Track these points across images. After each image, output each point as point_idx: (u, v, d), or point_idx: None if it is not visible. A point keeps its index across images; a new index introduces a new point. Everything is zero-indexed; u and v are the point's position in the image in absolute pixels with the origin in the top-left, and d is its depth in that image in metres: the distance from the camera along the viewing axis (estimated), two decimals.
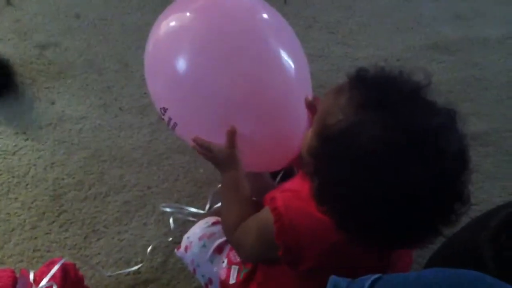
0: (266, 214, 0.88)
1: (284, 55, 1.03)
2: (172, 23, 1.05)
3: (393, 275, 0.68)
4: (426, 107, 0.71)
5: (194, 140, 1.06)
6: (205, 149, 1.05)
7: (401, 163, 0.68)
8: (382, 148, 0.68)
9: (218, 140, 1.01)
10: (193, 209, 1.38)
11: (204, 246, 1.14)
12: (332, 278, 0.67)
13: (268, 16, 1.06)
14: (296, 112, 1.06)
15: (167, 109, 1.04)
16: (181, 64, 1.00)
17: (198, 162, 1.53)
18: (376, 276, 0.63)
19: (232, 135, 1.01)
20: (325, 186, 0.75)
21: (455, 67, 1.86)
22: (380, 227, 0.73)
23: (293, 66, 1.04)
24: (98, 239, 1.37)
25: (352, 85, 0.77)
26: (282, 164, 1.14)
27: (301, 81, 1.08)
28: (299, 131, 1.06)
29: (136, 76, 1.80)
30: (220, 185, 1.40)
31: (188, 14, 1.04)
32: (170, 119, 1.05)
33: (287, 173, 1.24)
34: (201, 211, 1.38)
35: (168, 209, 1.38)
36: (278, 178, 1.24)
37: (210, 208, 1.39)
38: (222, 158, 1.05)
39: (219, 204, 1.36)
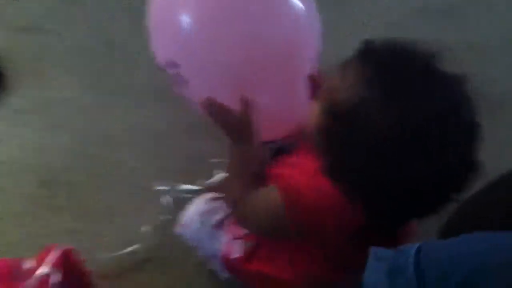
0: (272, 192, 0.86)
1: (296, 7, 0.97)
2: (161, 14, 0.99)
3: (437, 242, 0.68)
4: (438, 84, 0.69)
5: (208, 99, 0.96)
6: (218, 112, 0.96)
7: (415, 137, 0.67)
8: (393, 132, 0.67)
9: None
10: (188, 186, 1.37)
11: (203, 222, 1.13)
12: (374, 249, 0.66)
13: None
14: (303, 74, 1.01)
15: (179, 64, 0.95)
16: (189, 18, 0.93)
17: (193, 138, 1.51)
18: (418, 244, 0.62)
19: (246, 101, 0.94)
20: (336, 164, 0.74)
21: (449, 32, 1.82)
22: (391, 200, 0.72)
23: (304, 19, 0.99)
24: (93, 222, 1.35)
25: (360, 59, 0.75)
26: (283, 132, 1.10)
27: (311, 31, 1.03)
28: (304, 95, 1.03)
29: (124, 56, 1.76)
30: (211, 161, 1.38)
31: None
32: (179, 74, 0.97)
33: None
34: (196, 187, 1.37)
35: (162, 188, 1.36)
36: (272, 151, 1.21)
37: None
38: (236, 126, 0.97)
39: (211, 180, 1.36)
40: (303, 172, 0.86)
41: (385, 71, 0.70)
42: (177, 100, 1.53)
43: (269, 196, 0.88)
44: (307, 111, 1.04)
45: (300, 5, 0.98)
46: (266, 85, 0.98)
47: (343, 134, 0.72)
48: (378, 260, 0.65)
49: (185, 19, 0.93)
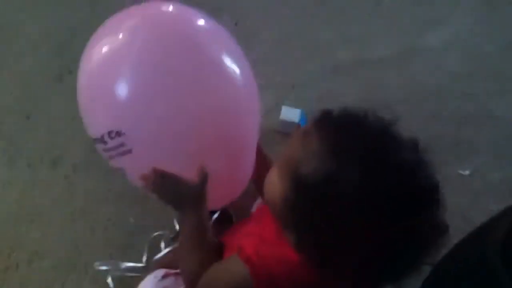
0: (237, 265, 0.82)
1: (232, 69, 0.96)
2: (105, 49, 0.95)
3: None
4: (397, 147, 0.72)
5: (154, 171, 0.92)
6: (168, 183, 0.92)
7: (383, 205, 0.68)
8: (363, 195, 0.68)
9: None
10: (130, 264, 1.30)
11: None
12: None
13: (208, 25, 1.00)
14: (245, 139, 1.02)
15: (123, 133, 0.90)
16: (134, 89, 0.89)
17: (125, 210, 1.45)
18: None
19: (205, 172, 0.92)
20: (306, 236, 0.74)
21: (358, 87, 1.92)
22: (363, 270, 0.72)
23: (242, 83, 0.98)
24: None
25: (319, 128, 0.75)
26: (228, 199, 1.09)
27: (251, 100, 1.03)
28: (249, 165, 1.05)
29: (41, 127, 1.67)
30: (155, 234, 1.34)
31: (120, 35, 0.94)
32: (121, 144, 0.91)
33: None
34: (139, 264, 1.30)
35: (103, 267, 1.28)
36: (213, 219, 1.20)
37: (148, 259, 1.32)
38: (189, 196, 0.94)
39: (159, 255, 1.29)
40: (263, 241, 0.85)
41: (346, 139, 0.71)
42: (104, 173, 1.51)
43: (233, 270, 0.85)
44: (248, 178, 1.07)
45: (239, 73, 0.98)
46: (211, 154, 0.95)
47: (311, 207, 0.71)
48: None
49: (125, 88, 0.89)
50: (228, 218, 1.19)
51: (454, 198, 1.53)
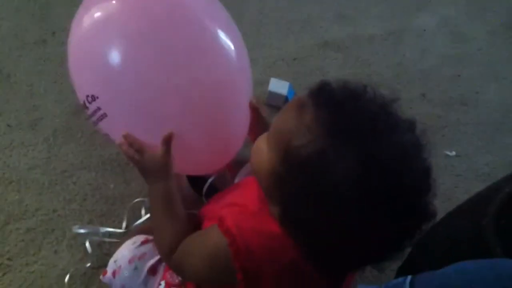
0: (216, 236, 0.80)
1: (224, 42, 0.96)
2: (94, 15, 0.94)
3: (427, 273, 0.68)
4: (395, 127, 0.69)
5: (125, 137, 0.94)
6: (135, 150, 0.94)
7: (376, 190, 0.65)
8: (356, 176, 0.65)
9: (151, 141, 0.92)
10: (110, 229, 1.27)
11: (136, 268, 1.04)
12: (361, 285, 0.65)
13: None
14: (236, 109, 1.01)
15: (97, 97, 0.92)
16: (114, 55, 0.90)
17: (106, 177, 1.42)
18: (409, 278, 0.64)
19: (168, 141, 0.92)
20: (292, 210, 0.72)
21: (347, 64, 1.92)
22: (347, 249, 0.71)
23: (234, 54, 0.98)
24: (4, 274, 1.21)
25: (316, 101, 0.72)
26: (215, 167, 1.08)
27: (242, 72, 1.02)
28: (239, 131, 1.03)
29: (21, 87, 1.62)
30: (135, 200, 1.31)
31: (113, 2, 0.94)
32: (98, 109, 0.93)
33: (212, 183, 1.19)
34: (119, 230, 1.27)
35: (81, 231, 1.25)
36: (205, 188, 1.16)
37: (127, 225, 1.29)
38: (153, 166, 0.95)
39: (139, 221, 1.27)
40: (246, 213, 0.83)
41: (343, 117, 0.68)
42: (86, 138, 1.48)
43: (211, 240, 0.83)
44: (238, 147, 1.05)
45: (230, 43, 0.98)
46: (197, 123, 0.95)
47: (301, 183, 0.69)
48: None
49: (111, 54, 0.90)
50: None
51: (439, 178, 1.54)
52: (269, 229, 0.77)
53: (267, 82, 1.68)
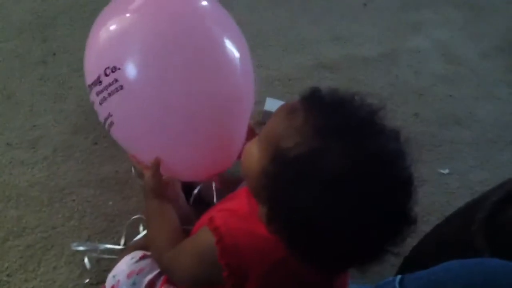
0: (205, 235, 0.84)
1: (234, 54, 1.03)
2: (113, 27, 1.02)
3: (416, 272, 0.70)
4: (384, 133, 0.72)
5: (130, 159, 1.08)
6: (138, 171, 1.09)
7: (361, 190, 0.68)
8: (343, 176, 0.68)
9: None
10: (108, 245, 1.28)
11: (134, 283, 1.05)
12: (353, 286, 0.67)
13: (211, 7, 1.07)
14: (240, 118, 1.07)
15: (118, 68, 0.96)
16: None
17: (105, 194, 1.43)
18: (399, 276, 0.65)
19: (155, 166, 1.02)
20: (279, 211, 0.74)
21: (342, 85, 1.92)
22: (330, 251, 0.73)
23: (239, 66, 1.04)
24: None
25: (307, 106, 0.76)
26: (210, 173, 1.11)
27: (248, 84, 1.09)
28: (239, 138, 1.07)
29: (23, 107, 1.65)
30: (134, 217, 1.33)
31: (128, 15, 1.02)
32: (115, 80, 0.97)
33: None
34: (118, 246, 1.29)
35: (80, 248, 1.26)
36: (193, 195, 1.22)
37: (125, 242, 1.30)
38: (146, 186, 1.05)
39: (138, 237, 1.28)
40: (236, 216, 0.86)
41: (332, 120, 0.72)
42: (85, 157, 1.50)
43: (200, 239, 0.87)
44: (237, 153, 1.08)
45: (239, 56, 1.04)
46: (201, 129, 1.01)
47: (289, 182, 0.71)
48: None
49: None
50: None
51: (433, 196, 1.57)
52: (256, 230, 0.80)
53: (263, 102, 1.71)
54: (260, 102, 1.72)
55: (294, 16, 2.32)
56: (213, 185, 1.13)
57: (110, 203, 1.42)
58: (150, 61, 0.97)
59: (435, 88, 2.04)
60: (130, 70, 0.96)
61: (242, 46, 1.07)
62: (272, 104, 1.68)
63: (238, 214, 0.87)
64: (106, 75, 0.97)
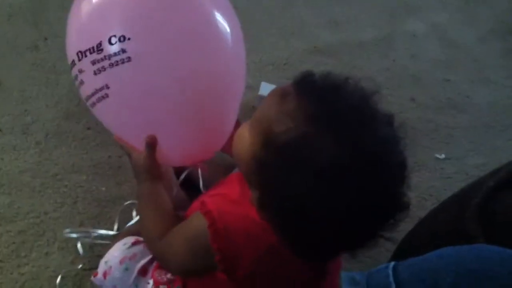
0: (197, 219, 0.83)
1: (224, 30, 0.99)
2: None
3: (410, 259, 0.70)
4: (374, 119, 0.71)
5: (116, 139, 1.03)
6: (125, 152, 1.04)
7: (353, 176, 0.68)
8: (334, 162, 0.68)
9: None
10: (101, 231, 1.26)
11: (126, 269, 1.05)
12: (346, 274, 0.67)
13: None
14: (230, 99, 1.04)
15: (128, 38, 0.89)
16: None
17: (98, 179, 1.42)
18: (393, 263, 0.65)
19: (151, 146, 0.97)
20: (270, 195, 0.73)
21: (337, 69, 1.90)
22: (322, 237, 0.72)
23: (233, 44, 1.01)
24: None
25: (299, 90, 0.75)
26: (198, 157, 1.08)
27: (239, 61, 1.06)
28: (229, 120, 1.05)
29: (13, 92, 1.62)
30: (127, 202, 1.32)
31: None
32: (122, 51, 0.90)
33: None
34: (111, 232, 1.27)
35: (72, 235, 1.24)
36: (181, 179, 1.17)
37: (119, 227, 1.29)
38: (139, 168, 1.01)
39: (131, 222, 1.26)
40: (228, 200, 0.85)
41: (324, 105, 0.71)
42: (77, 142, 1.49)
43: (192, 223, 0.87)
44: (227, 136, 1.06)
45: (230, 32, 1.00)
46: (190, 109, 0.97)
47: (280, 167, 0.71)
48: (354, 285, 0.67)
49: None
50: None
51: (429, 181, 1.56)
52: (248, 214, 0.79)
53: (258, 87, 1.69)
54: (255, 87, 1.70)
55: None
56: (199, 171, 1.09)
57: (103, 188, 1.40)
58: (158, 36, 0.91)
59: (431, 72, 2.02)
60: (141, 42, 0.90)
61: (233, 21, 1.04)
62: (267, 89, 1.66)
63: (230, 198, 0.86)
64: (111, 43, 0.90)
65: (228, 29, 0.99)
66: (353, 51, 2.05)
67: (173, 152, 1.02)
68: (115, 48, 0.90)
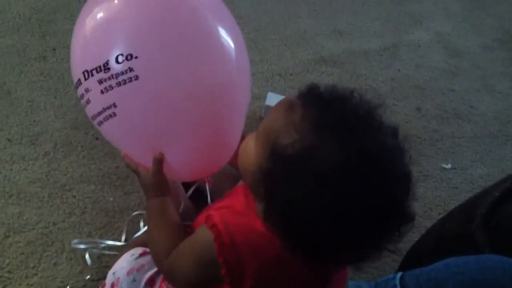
0: (203, 233, 0.84)
1: (228, 44, 0.98)
2: (100, 15, 0.95)
3: (417, 269, 0.71)
4: (379, 130, 0.72)
5: (123, 157, 1.04)
6: (132, 170, 1.04)
7: (358, 186, 0.68)
8: (340, 172, 0.68)
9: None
10: (109, 242, 1.28)
11: (134, 280, 1.05)
12: (352, 282, 0.68)
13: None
14: (235, 113, 1.04)
15: (136, 57, 0.89)
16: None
17: (106, 190, 1.43)
18: (400, 274, 0.66)
19: (159, 162, 0.98)
20: (276, 206, 0.74)
21: (343, 79, 1.95)
22: (328, 245, 0.73)
23: (236, 58, 1.00)
24: (4, 287, 1.21)
25: (304, 102, 0.76)
26: (205, 172, 1.09)
27: (243, 75, 1.05)
28: (235, 135, 1.05)
29: (22, 103, 1.64)
30: (135, 213, 1.33)
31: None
32: (130, 69, 0.89)
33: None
34: (118, 243, 1.28)
35: (81, 246, 1.26)
36: (189, 192, 1.18)
37: (126, 238, 1.30)
38: (147, 184, 1.02)
39: (138, 233, 1.28)
40: (233, 212, 0.86)
41: (330, 116, 0.72)
42: (86, 152, 1.50)
43: (199, 236, 0.87)
44: (233, 151, 1.06)
45: (233, 46, 1.00)
46: (195, 123, 0.97)
47: (286, 178, 0.71)
48: None
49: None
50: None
51: (435, 191, 1.57)
52: (253, 226, 0.80)
53: (264, 97, 1.70)
54: (261, 97, 1.72)
55: (295, 9, 2.30)
56: (207, 186, 1.09)
57: (111, 199, 1.41)
58: (164, 53, 0.91)
59: (436, 82, 2.04)
60: (148, 60, 0.90)
61: (236, 35, 1.03)
62: (274, 99, 1.67)
63: (235, 209, 0.87)
64: (118, 62, 0.89)
65: (231, 43, 0.99)
66: (358, 61, 2.07)
67: (180, 167, 1.02)
68: (122, 66, 0.89)
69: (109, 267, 1.13)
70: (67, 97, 1.68)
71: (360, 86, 1.94)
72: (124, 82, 0.90)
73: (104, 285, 1.09)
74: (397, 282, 0.76)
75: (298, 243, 0.75)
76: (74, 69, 1.00)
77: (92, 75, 0.92)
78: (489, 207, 0.85)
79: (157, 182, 1.00)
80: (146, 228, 1.26)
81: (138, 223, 1.31)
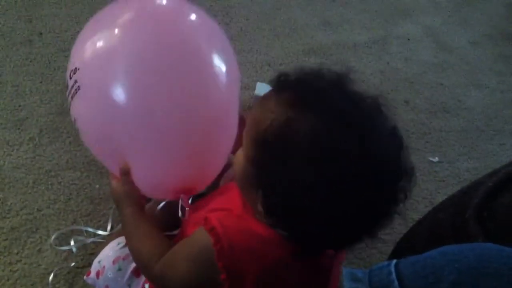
0: (201, 236, 0.80)
1: (220, 68, 0.94)
2: (99, 43, 0.91)
3: (412, 256, 0.71)
4: (354, 93, 0.72)
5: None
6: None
7: (342, 148, 0.67)
8: (322, 138, 0.68)
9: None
10: (95, 230, 1.26)
11: (119, 269, 1.04)
12: (348, 271, 0.68)
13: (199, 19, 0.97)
14: (224, 141, 1.00)
15: (78, 69, 0.90)
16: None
17: (92, 177, 1.41)
18: (395, 261, 0.66)
19: (125, 172, 0.95)
20: (272, 193, 0.72)
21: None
22: (321, 232, 0.72)
23: (226, 80, 0.95)
24: None
25: (275, 88, 0.76)
26: (177, 193, 1.01)
27: (234, 103, 1.00)
28: (224, 151, 1.01)
29: (7, 87, 1.62)
30: None
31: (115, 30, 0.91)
32: (75, 81, 0.91)
33: None
34: (104, 232, 1.26)
35: (65, 232, 1.24)
36: (159, 207, 1.10)
37: (112, 227, 1.28)
38: (117, 195, 0.99)
39: None
40: (231, 215, 0.84)
41: (300, 90, 0.72)
42: (72, 139, 1.48)
43: (196, 240, 0.83)
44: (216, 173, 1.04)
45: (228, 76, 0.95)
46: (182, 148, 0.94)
47: (273, 154, 0.71)
48: (356, 282, 0.67)
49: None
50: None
51: (422, 184, 1.58)
52: (252, 229, 0.78)
53: (254, 87, 1.69)
54: (251, 87, 1.71)
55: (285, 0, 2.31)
56: (180, 201, 1.01)
57: (97, 186, 1.40)
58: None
59: (425, 76, 2.04)
60: (88, 70, 0.90)
61: (230, 61, 0.98)
62: (263, 89, 1.66)
63: (234, 213, 0.84)
64: (70, 78, 0.92)
65: (224, 72, 0.94)
66: (347, 52, 2.07)
67: (147, 182, 0.99)
68: (72, 82, 0.91)
69: (94, 254, 1.13)
70: (53, 82, 1.66)
71: (329, 65, 1.96)
72: (74, 94, 0.92)
73: (89, 273, 1.08)
74: (392, 269, 0.75)
75: (298, 229, 0.73)
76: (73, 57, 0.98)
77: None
78: (482, 197, 0.85)
79: (129, 191, 0.97)
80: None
81: None
